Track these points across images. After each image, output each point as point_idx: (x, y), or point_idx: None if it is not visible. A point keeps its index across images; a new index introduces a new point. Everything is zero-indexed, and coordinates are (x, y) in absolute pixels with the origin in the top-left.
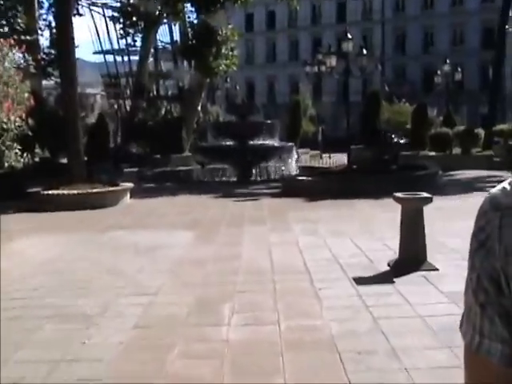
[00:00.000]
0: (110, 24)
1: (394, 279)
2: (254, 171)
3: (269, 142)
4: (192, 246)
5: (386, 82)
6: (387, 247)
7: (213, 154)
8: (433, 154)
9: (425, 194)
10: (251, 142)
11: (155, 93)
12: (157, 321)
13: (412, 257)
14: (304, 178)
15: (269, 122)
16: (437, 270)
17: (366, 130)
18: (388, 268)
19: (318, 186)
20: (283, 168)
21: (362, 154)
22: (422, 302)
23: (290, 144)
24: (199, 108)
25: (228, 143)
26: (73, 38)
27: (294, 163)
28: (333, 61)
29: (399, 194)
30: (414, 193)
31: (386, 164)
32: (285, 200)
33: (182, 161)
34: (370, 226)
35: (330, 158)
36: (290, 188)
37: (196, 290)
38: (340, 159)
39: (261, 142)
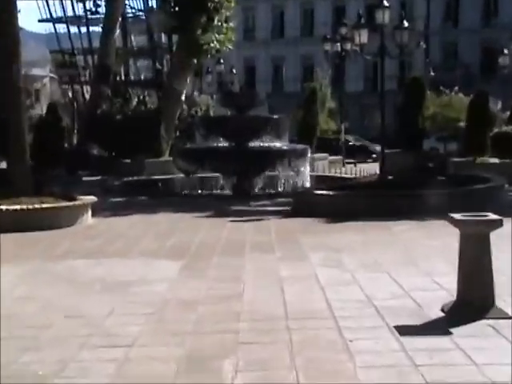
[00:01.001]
0: None
1: (452, 330)
2: (255, 182)
3: (275, 143)
4: (177, 282)
5: (431, 65)
6: (439, 286)
7: (201, 159)
8: (495, 161)
9: (492, 216)
10: (252, 144)
11: (124, 77)
12: (135, 382)
13: (475, 300)
14: (322, 192)
15: (275, 117)
16: (509, 317)
17: (404, 129)
18: (442, 314)
19: (341, 203)
20: (294, 178)
21: (400, 161)
22: (490, 361)
23: (303, 147)
24: (183, 98)
25: (221, 145)
26: None
27: (308, 172)
28: (363, 36)
29: (457, 215)
30: (476, 213)
31: (431, 174)
32: (297, 221)
33: (160, 167)
34: (414, 257)
35: (355, 165)
36: (303, 205)
37: (185, 341)
38: (369, 168)
39: (265, 143)
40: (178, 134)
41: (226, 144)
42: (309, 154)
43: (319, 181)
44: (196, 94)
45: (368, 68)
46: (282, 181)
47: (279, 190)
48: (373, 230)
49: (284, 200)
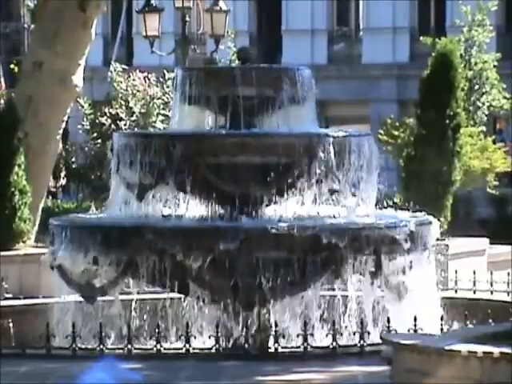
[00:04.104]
0: None
1: None
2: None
3: (338, 212)
4: None
5: None
6: None
7: (132, 253)
8: None
9: None
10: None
11: None
12: None
13: None
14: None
15: (333, 135)
16: None
17: None
18: None
19: None
20: (389, 306)
21: None
22: None
23: (417, 220)
24: (76, 88)
25: (190, 215)
26: None
27: (431, 287)
28: None
29: None
30: None
31: None
32: None
33: (17, 274)
34: None
35: None
36: None
37: None
38: None
39: (308, 213)
40: (62, 180)
41: (205, 210)
42: (432, 241)
43: (462, 311)
44: (114, 71)
45: None
46: (353, 312)
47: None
48: None
49: (357, 371)
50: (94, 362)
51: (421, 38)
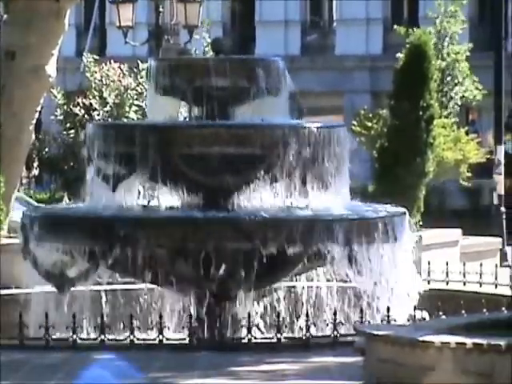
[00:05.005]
0: None
1: None
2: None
3: (307, 203)
4: None
5: None
6: None
7: (106, 243)
8: None
9: None
10: (244, 203)
11: None
12: None
13: None
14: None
15: (307, 126)
16: None
17: None
18: None
19: None
20: (366, 297)
21: None
22: None
23: (392, 212)
24: (50, 73)
25: (165, 205)
26: None
27: (405, 278)
28: None
29: None
30: None
31: None
32: None
33: None
34: None
35: None
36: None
37: None
38: None
39: (277, 204)
40: (35, 170)
41: (178, 201)
42: (405, 232)
43: (435, 302)
44: (87, 61)
45: None
46: (327, 302)
47: (312, 327)
48: None
49: (331, 361)
50: (68, 352)
51: (394, 28)
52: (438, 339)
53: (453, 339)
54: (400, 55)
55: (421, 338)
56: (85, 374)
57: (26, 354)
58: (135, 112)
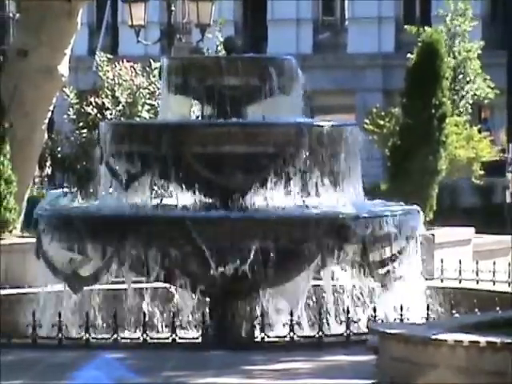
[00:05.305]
0: None
1: None
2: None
3: (317, 201)
4: None
5: None
6: None
7: (117, 244)
8: None
9: None
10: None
11: None
12: None
13: None
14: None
15: (320, 125)
16: None
17: None
18: None
19: None
20: (374, 296)
21: None
22: None
23: (404, 210)
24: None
25: (175, 204)
26: None
27: (416, 278)
28: None
29: None
30: None
31: None
32: None
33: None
34: None
35: None
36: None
37: None
38: None
39: (286, 203)
40: (47, 169)
41: (191, 199)
42: (418, 231)
43: (448, 300)
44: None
45: None
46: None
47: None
48: None
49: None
50: (81, 351)
51: (406, 26)
52: (451, 337)
53: (466, 337)
54: (411, 56)
55: (434, 337)
56: (79, 375)
57: (38, 352)
58: (148, 111)
